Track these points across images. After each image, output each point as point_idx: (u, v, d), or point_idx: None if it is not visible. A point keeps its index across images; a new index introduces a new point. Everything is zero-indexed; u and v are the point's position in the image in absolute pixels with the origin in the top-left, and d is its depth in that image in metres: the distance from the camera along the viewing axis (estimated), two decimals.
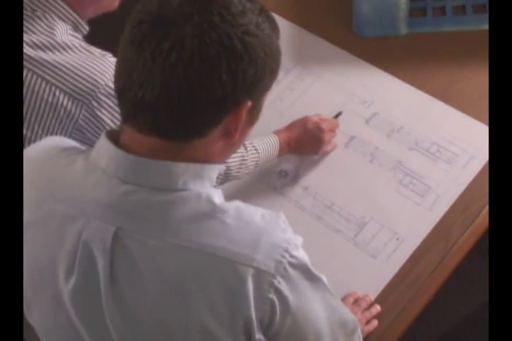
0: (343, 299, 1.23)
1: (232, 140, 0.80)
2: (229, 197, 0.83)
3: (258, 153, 1.27)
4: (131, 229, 0.79)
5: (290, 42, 1.58)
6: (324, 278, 0.84)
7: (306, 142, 1.36)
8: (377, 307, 1.22)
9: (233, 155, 1.19)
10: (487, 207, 1.30)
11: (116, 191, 0.79)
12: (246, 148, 1.25)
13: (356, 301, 1.23)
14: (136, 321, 0.80)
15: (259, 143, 1.28)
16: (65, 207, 0.82)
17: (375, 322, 1.21)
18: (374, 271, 1.27)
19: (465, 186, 1.34)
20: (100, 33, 0.96)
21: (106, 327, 0.81)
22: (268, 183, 1.40)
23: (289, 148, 1.35)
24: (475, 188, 1.33)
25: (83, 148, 0.91)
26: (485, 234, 1.27)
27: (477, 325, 1.84)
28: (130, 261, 0.79)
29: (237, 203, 0.82)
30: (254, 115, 0.82)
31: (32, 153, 0.90)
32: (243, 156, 1.24)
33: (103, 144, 0.81)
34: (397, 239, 1.30)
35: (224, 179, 1.23)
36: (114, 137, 0.81)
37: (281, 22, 1.60)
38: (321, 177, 1.39)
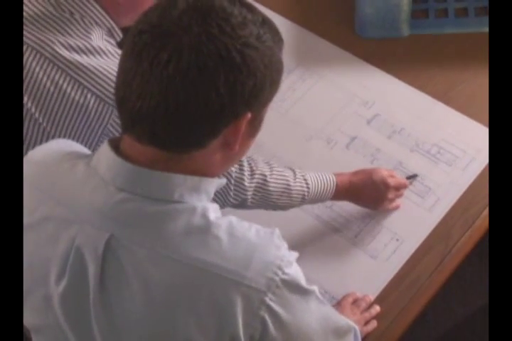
0: (342, 299, 1.23)
1: (232, 151, 0.79)
2: None
3: (308, 184, 1.19)
4: (123, 237, 0.78)
5: (292, 43, 1.59)
6: (317, 290, 0.83)
7: (367, 194, 1.28)
8: (377, 308, 1.22)
9: (277, 181, 1.15)
10: (487, 209, 1.30)
11: (112, 198, 0.78)
12: (295, 177, 1.18)
13: (355, 301, 1.23)
14: (121, 329, 0.80)
15: (313, 177, 1.21)
16: (63, 211, 0.82)
17: (374, 323, 1.21)
18: (374, 272, 1.27)
19: (465, 188, 1.34)
20: None
21: (92, 333, 0.81)
22: None
23: (346, 194, 1.26)
24: (475, 190, 1.33)
25: (88, 152, 0.91)
26: (485, 236, 1.27)
27: (476, 327, 1.84)
28: (120, 269, 0.78)
29: (232, 218, 0.81)
30: (254, 127, 0.81)
31: (36, 156, 0.90)
32: (288, 184, 1.17)
33: (104, 151, 0.81)
34: (397, 239, 1.30)
35: (261, 202, 1.16)
36: (115, 144, 0.81)
37: (283, 23, 1.63)
38: None
